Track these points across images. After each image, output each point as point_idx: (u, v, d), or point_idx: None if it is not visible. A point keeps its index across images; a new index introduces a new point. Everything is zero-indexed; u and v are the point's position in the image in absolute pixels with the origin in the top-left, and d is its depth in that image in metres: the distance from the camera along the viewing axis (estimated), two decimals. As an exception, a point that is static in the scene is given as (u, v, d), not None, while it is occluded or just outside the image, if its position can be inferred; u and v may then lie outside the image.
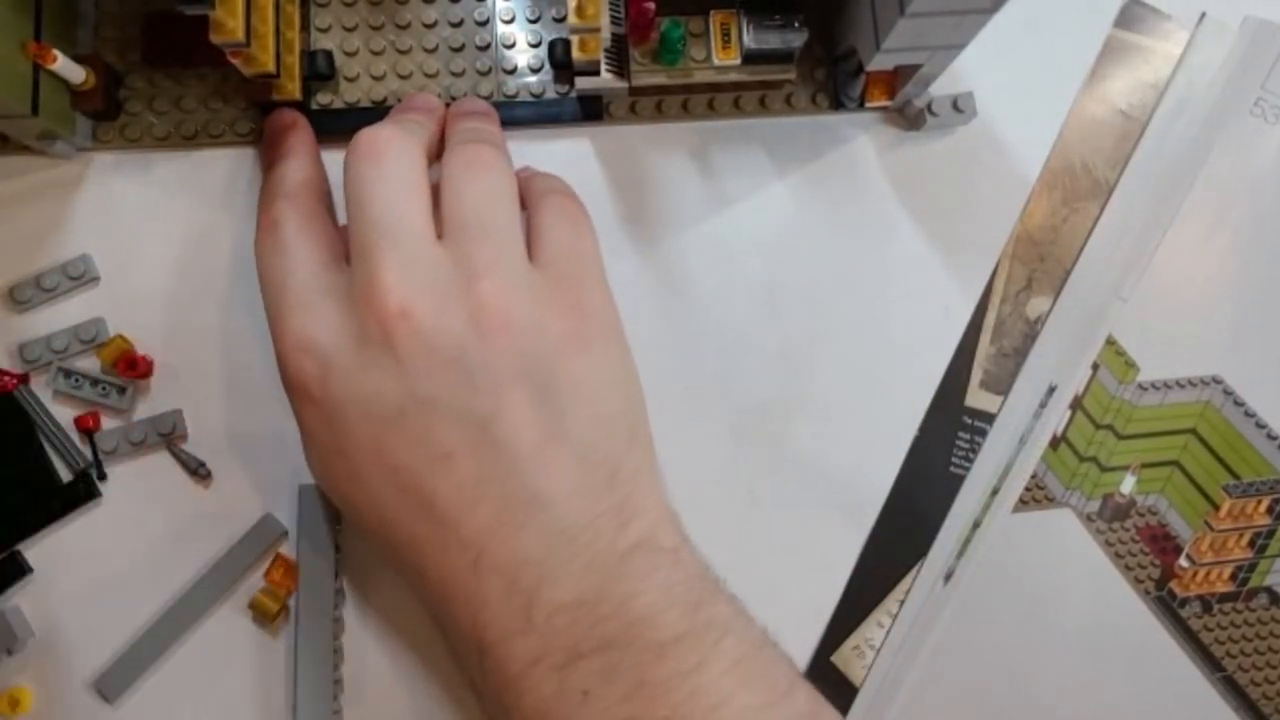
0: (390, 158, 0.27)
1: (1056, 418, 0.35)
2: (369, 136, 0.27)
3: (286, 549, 0.33)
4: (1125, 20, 0.38)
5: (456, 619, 0.26)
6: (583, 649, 0.24)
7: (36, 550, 0.33)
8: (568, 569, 0.25)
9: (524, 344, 0.26)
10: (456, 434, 0.25)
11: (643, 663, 0.24)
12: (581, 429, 0.26)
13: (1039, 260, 0.36)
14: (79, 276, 0.33)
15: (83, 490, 0.33)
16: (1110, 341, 0.36)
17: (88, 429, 0.33)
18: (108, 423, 0.33)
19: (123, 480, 0.33)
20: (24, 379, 0.33)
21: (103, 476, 0.33)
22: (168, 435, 0.33)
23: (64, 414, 0.33)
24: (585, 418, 0.26)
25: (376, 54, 0.35)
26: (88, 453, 0.33)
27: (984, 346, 0.36)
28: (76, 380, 0.33)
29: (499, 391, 0.25)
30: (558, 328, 0.26)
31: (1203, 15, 0.38)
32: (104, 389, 0.33)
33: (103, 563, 0.33)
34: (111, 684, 0.32)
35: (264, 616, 0.32)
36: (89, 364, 0.33)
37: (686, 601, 0.25)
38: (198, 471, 0.33)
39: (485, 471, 0.25)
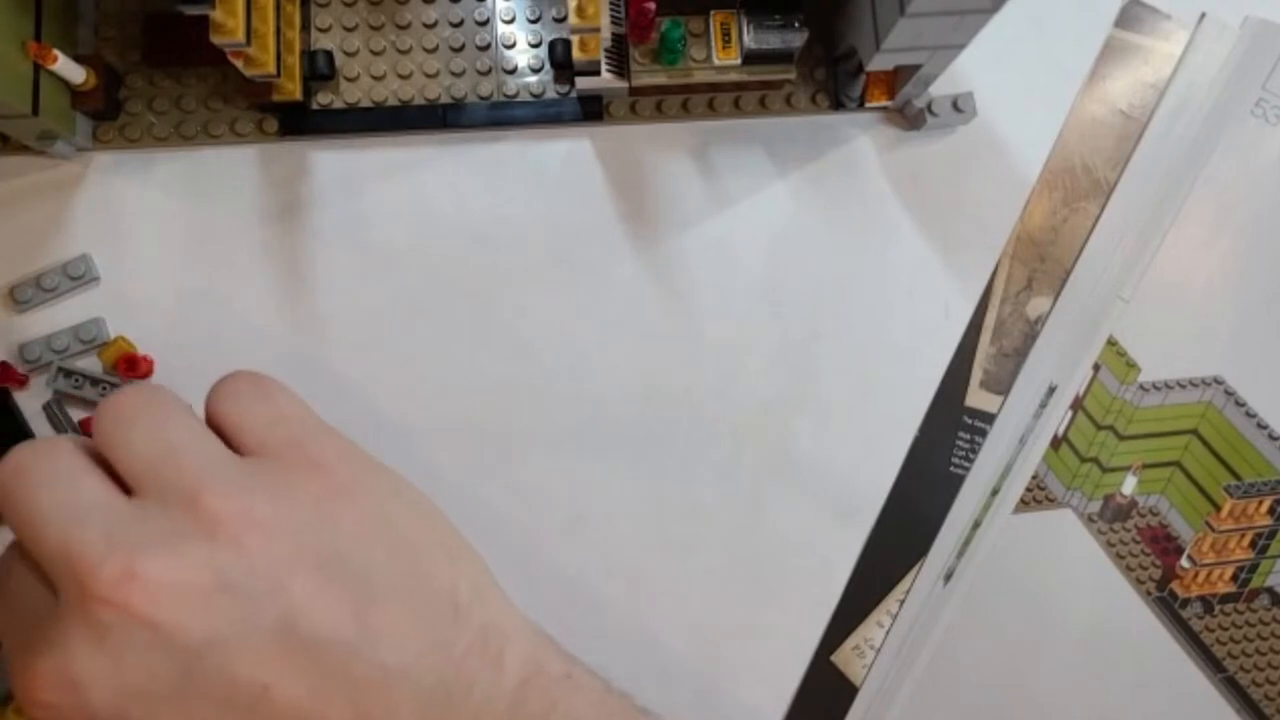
0: (35, 462, 0.23)
1: (1057, 418, 0.35)
2: (4, 467, 0.23)
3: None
4: (1125, 20, 0.38)
5: None
6: None
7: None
8: None
9: (281, 530, 0.22)
10: (261, 661, 0.21)
11: None
12: (392, 577, 0.23)
13: (1039, 260, 0.36)
14: (79, 276, 0.33)
15: None
16: (1111, 342, 0.36)
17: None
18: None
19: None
20: (23, 381, 0.33)
21: None
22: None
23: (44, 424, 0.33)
24: (389, 563, 0.23)
25: (377, 54, 0.35)
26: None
27: (984, 346, 0.35)
28: (77, 380, 0.33)
29: (281, 591, 0.22)
30: (308, 496, 0.23)
31: (1203, 15, 0.38)
32: (104, 389, 0.33)
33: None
34: None
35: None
36: (89, 364, 0.33)
37: None
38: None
39: (316, 680, 0.21)
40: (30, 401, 0.33)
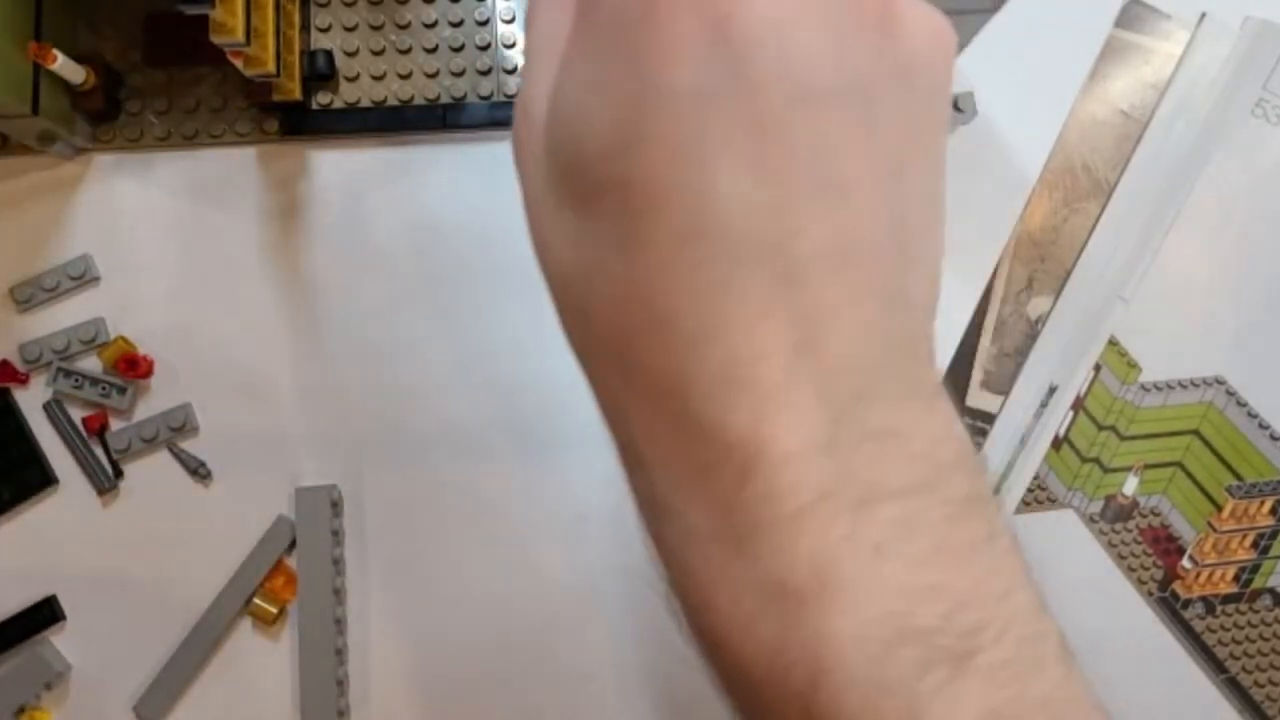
0: None
1: (1057, 418, 0.35)
2: None
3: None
4: (1125, 20, 0.38)
5: (727, 419, 0.18)
6: (884, 490, 0.18)
7: (53, 564, 0.33)
8: (889, 389, 0.19)
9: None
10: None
11: (945, 517, 0.19)
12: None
13: (1039, 260, 0.36)
14: (79, 276, 0.33)
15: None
16: (1112, 342, 0.36)
17: (99, 429, 0.33)
18: (111, 423, 0.33)
19: (140, 479, 0.33)
20: (23, 381, 0.33)
21: (120, 474, 0.33)
22: (179, 429, 0.33)
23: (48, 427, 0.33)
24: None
25: (377, 54, 0.35)
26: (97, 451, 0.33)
27: (984, 347, 0.35)
28: (77, 380, 0.33)
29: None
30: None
31: (1203, 15, 0.38)
32: (104, 389, 0.33)
33: (123, 572, 0.33)
34: (151, 706, 0.32)
35: (263, 620, 0.32)
36: (89, 364, 0.33)
37: (975, 462, 0.20)
38: (197, 471, 0.33)
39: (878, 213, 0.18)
40: (30, 401, 0.33)
